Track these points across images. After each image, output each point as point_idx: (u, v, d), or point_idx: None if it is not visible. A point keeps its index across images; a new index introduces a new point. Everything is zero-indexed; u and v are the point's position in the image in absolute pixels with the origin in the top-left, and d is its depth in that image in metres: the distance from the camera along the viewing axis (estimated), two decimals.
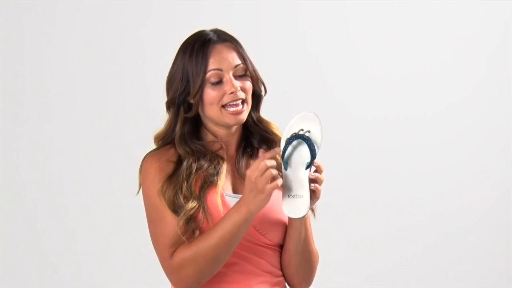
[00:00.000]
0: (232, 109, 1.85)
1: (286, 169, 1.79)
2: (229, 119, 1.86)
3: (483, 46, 3.90)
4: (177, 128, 1.89)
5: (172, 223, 1.81)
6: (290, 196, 1.78)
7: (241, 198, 1.77)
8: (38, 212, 3.42)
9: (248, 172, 1.75)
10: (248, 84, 1.87)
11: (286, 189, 1.79)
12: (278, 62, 3.61)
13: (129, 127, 3.45)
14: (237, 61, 1.87)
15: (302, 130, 1.80)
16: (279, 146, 1.85)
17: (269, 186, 1.73)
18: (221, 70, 1.85)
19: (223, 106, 1.85)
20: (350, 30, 3.75)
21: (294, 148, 1.80)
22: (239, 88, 1.85)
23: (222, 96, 1.85)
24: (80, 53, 3.44)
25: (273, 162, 1.75)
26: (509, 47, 3.92)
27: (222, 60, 1.85)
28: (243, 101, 1.87)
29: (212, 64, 1.85)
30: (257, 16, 3.62)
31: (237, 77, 1.86)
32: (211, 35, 1.89)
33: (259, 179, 1.73)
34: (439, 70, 3.86)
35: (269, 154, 1.76)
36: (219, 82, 1.85)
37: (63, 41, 3.43)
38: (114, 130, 3.45)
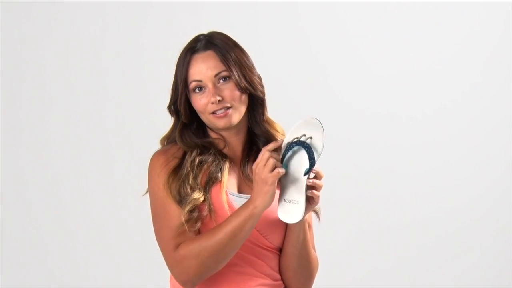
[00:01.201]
0: (219, 112, 1.87)
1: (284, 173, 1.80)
2: (218, 123, 1.87)
3: (483, 44, 3.90)
4: (176, 131, 1.92)
5: (176, 216, 1.82)
6: (286, 201, 1.79)
7: (250, 196, 1.80)
8: (38, 212, 3.41)
9: (253, 165, 1.78)
10: (233, 91, 1.87)
11: (282, 193, 1.80)
12: (279, 60, 3.61)
13: (130, 128, 3.44)
14: (218, 69, 1.87)
15: (304, 135, 1.80)
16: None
17: (271, 174, 1.75)
18: (200, 81, 1.87)
19: (213, 113, 1.87)
20: (350, 29, 3.74)
21: (294, 153, 1.80)
22: (218, 99, 1.85)
23: (207, 104, 1.87)
24: (80, 53, 3.43)
25: (275, 153, 1.78)
26: (509, 45, 3.92)
27: (201, 70, 1.87)
28: (229, 108, 1.87)
29: (192, 75, 1.87)
30: (257, 16, 3.62)
31: (221, 84, 1.87)
32: (197, 43, 1.90)
33: (261, 169, 1.76)
34: (439, 68, 3.85)
35: (271, 144, 1.80)
36: (202, 91, 1.87)
37: (63, 41, 3.42)
38: (114, 131, 3.45)
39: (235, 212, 1.80)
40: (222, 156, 1.90)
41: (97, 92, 3.45)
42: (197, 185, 1.84)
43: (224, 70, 1.87)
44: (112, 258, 3.45)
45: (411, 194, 3.82)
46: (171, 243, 1.82)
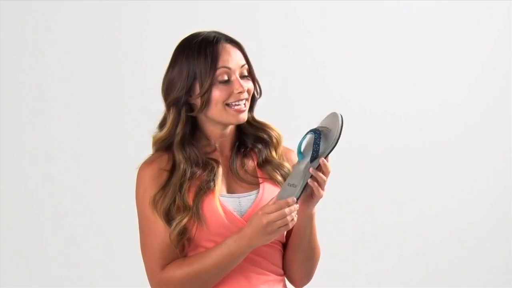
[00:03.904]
0: (236, 107, 1.86)
1: (299, 159, 1.81)
2: (232, 118, 1.86)
3: (483, 44, 3.90)
4: (179, 128, 1.88)
5: (161, 236, 1.83)
6: (289, 185, 1.80)
7: (243, 231, 1.79)
8: (38, 212, 3.41)
9: (261, 215, 1.76)
10: (251, 85, 1.89)
11: (289, 177, 1.82)
12: (278, 61, 3.61)
13: (129, 128, 3.44)
14: (243, 61, 1.88)
15: (326, 127, 1.83)
16: (276, 145, 1.93)
17: (278, 231, 1.76)
18: (229, 68, 1.86)
19: (227, 104, 1.86)
20: (350, 29, 3.75)
21: (309, 140, 1.83)
22: (246, 88, 1.86)
23: (229, 95, 1.86)
24: (80, 54, 3.43)
25: (293, 212, 1.76)
26: (509, 45, 3.92)
27: (231, 59, 1.86)
28: (246, 101, 1.88)
29: (222, 62, 1.85)
30: (256, 16, 3.62)
31: (242, 77, 1.88)
32: (217, 35, 1.89)
33: (271, 225, 1.75)
34: (439, 69, 3.86)
35: (286, 201, 1.77)
36: (227, 81, 1.86)
37: (63, 41, 3.42)
38: (114, 131, 3.45)
39: (226, 245, 1.79)
40: (213, 163, 1.88)
41: (97, 92, 3.45)
42: (184, 204, 1.82)
43: (246, 64, 1.89)
44: (112, 258, 3.45)
45: (410, 196, 3.82)
46: (157, 263, 1.83)
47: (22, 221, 3.40)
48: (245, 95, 1.86)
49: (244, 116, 1.87)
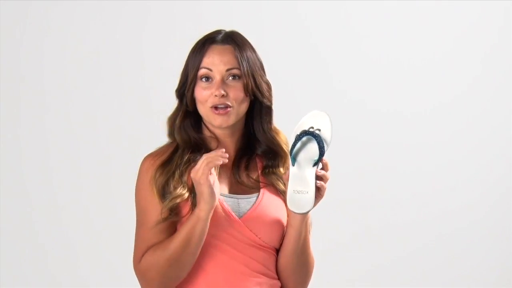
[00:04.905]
0: (217, 110, 1.86)
1: (293, 165, 1.81)
2: (213, 120, 1.87)
3: (484, 42, 3.89)
4: (178, 120, 1.91)
5: (151, 230, 1.84)
6: (296, 192, 1.80)
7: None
8: (38, 213, 3.41)
9: (191, 171, 1.79)
10: (238, 91, 1.87)
11: (292, 184, 1.80)
12: (281, 58, 3.60)
13: (128, 127, 3.44)
14: (231, 65, 1.87)
15: (313, 127, 1.83)
16: (284, 162, 1.92)
17: (201, 173, 1.76)
18: (210, 70, 1.87)
19: (212, 107, 1.87)
20: (351, 26, 3.73)
21: (303, 144, 1.82)
22: (222, 93, 1.84)
23: (209, 96, 1.86)
24: (79, 54, 3.43)
25: (210, 159, 1.77)
26: (509, 44, 3.92)
27: (214, 61, 1.87)
28: (229, 107, 1.86)
29: (204, 62, 1.87)
30: (258, 13, 3.62)
31: (229, 80, 1.87)
32: (217, 35, 1.90)
33: (195, 172, 1.77)
34: (440, 67, 3.85)
35: (213, 153, 1.79)
36: (209, 81, 1.87)
37: (62, 41, 3.42)
38: (113, 132, 3.45)
39: (186, 220, 1.80)
40: None
41: (95, 92, 3.45)
42: (182, 183, 1.83)
43: (237, 68, 1.87)
44: (111, 258, 3.44)
45: (410, 194, 3.81)
46: (139, 255, 1.85)
47: (22, 221, 3.40)
48: (226, 100, 1.85)
49: (223, 121, 1.86)
